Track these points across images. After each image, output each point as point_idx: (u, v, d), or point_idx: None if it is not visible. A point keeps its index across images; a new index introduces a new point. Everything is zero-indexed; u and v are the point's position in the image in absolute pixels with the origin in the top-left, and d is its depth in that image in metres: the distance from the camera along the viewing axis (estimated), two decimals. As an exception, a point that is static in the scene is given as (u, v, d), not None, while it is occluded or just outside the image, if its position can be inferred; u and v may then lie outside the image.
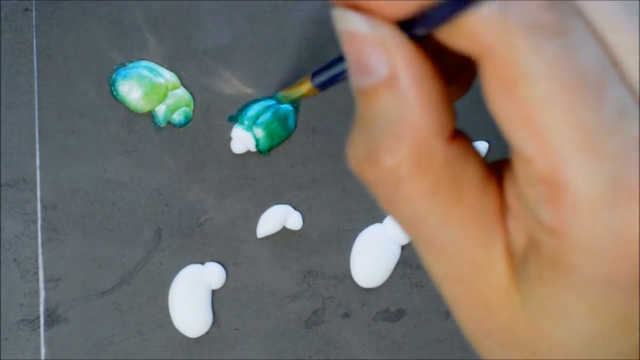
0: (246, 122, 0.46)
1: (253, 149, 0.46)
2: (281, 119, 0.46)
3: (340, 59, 0.20)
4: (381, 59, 0.16)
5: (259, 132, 0.46)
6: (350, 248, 0.48)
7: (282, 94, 0.42)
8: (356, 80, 0.16)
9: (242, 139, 0.46)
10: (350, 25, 0.16)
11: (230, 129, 0.46)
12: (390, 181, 0.16)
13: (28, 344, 0.45)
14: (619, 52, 0.15)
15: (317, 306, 0.48)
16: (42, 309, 0.45)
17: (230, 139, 0.46)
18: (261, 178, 0.47)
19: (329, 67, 0.19)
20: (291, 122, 0.47)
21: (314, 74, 0.19)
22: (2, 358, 0.45)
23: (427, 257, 0.18)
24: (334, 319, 0.48)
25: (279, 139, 0.47)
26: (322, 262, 0.48)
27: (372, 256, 0.48)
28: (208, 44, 0.46)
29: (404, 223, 0.17)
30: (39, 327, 0.45)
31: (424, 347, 0.49)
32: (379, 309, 0.48)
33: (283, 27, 0.47)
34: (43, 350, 0.45)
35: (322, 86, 0.19)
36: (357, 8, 0.16)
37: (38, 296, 0.45)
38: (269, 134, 0.46)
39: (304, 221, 0.47)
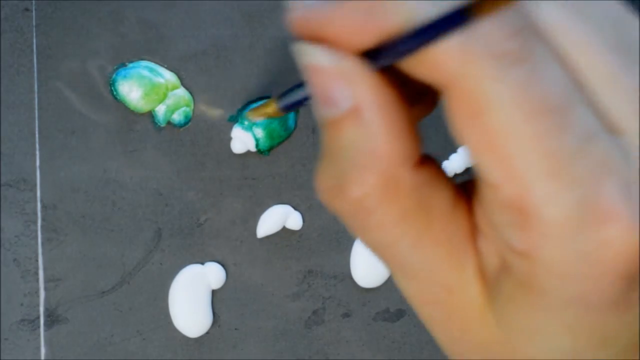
0: (246, 122, 0.46)
1: (253, 149, 0.46)
2: (281, 119, 0.46)
3: (305, 83, 0.20)
4: (344, 91, 0.16)
5: (259, 132, 0.46)
6: (350, 248, 0.48)
7: (249, 114, 0.43)
8: (321, 111, 0.17)
9: (242, 139, 0.46)
10: (312, 58, 0.16)
11: (230, 129, 0.46)
12: (359, 211, 0.17)
13: (28, 344, 0.45)
14: (587, 75, 0.15)
15: (317, 306, 0.48)
16: (42, 309, 0.45)
17: (230, 139, 0.46)
18: (261, 178, 0.47)
19: (294, 91, 0.19)
20: (291, 122, 0.47)
21: (281, 96, 0.20)
22: (2, 358, 0.45)
23: (401, 281, 0.18)
24: (334, 319, 0.48)
25: (279, 139, 0.47)
26: (322, 262, 0.48)
27: (372, 256, 0.48)
28: (208, 44, 0.46)
29: (376, 249, 0.18)
30: (39, 327, 0.45)
31: (424, 347, 0.49)
32: (379, 309, 0.48)
33: (283, 28, 0.47)
34: (43, 350, 0.45)
35: (287, 109, 0.20)
36: (318, 40, 0.16)
37: (38, 296, 0.45)
38: (269, 134, 0.46)
39: (304, 221, 0.47)
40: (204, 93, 0.46)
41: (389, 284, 0.48)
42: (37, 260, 0.45)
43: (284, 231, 0.47)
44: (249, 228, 0.47)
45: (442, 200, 0.17)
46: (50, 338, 0.45)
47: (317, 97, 0.16)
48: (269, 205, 0.47)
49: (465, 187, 0.17)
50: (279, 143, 0.47)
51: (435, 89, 0.16)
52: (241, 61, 0.47)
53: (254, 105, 0.47)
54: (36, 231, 0.45)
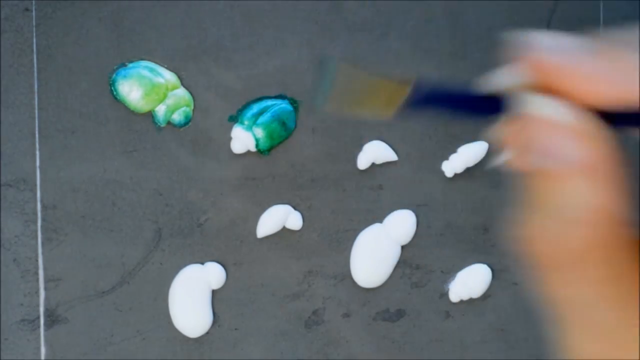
0: (246, 122, 0.46)
1: (253, 149, 0.46)
2: (281, 119, 0.46)
3: (467, 97, 0.18)
4: (574, 147, 0.16)
5: (259, 132, 0.46)
6: (350, 248, 0.48)
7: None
8: (537, 162, 0.16)
9: (242, 139, 0.46)
10: (543, 109, 0.16)
11: (230, 129, 0.46)
12: (571, 262, 0.16)
13: (28, 344, 0.45)
14: None
15: (317, 306, 0.48)
16: (42, 309, 0.45)
17: (230, 139, 0.46)
18: (261, 178, 0.47)
19: (450, 97, 0.17)
20: (291, 122, 0.47)
21: (416, 89, 0.17)
22: (2, 358, 0.45)
23: (584, 339, 0.18)
24: (334, 319, 0.48)
25: (279, 139, 0.47)
26: (322, 262, 0.48)
27: (372, 256, 0.48)
28: (208, 44, 0.46)
29: (570, 304, 0.17)
30: (39, 327, 0.45)
31: (424, 347, 0.49)
32: (379, 309, 0.48)
33: (283, 28, 0.47)
34: (43, 350, 0.45)
35: (415, 107, 0.17)
36: (550, 86, 0.16)
37: (38, 296, 0.45)
38: (269, 134, 0.46)
39: (304, 221, 0.47)
40: (204, 93, 0.46)
41: (389, 284, 0.48)
42: (37, 260, 0.45)
43: (284, 231, 0.47)
44: (249, 228, 0.47)
45: None
46: (50, 338, 0.45)
47: (537, 148, 0.16)
48: (269, 205, 0.47)
49: None
50: (279, 143, 0.47)
51: None
52: (241, 61, 0.47)
53: (254, 105, 0.46)
54: (36, 231, 0.45)
